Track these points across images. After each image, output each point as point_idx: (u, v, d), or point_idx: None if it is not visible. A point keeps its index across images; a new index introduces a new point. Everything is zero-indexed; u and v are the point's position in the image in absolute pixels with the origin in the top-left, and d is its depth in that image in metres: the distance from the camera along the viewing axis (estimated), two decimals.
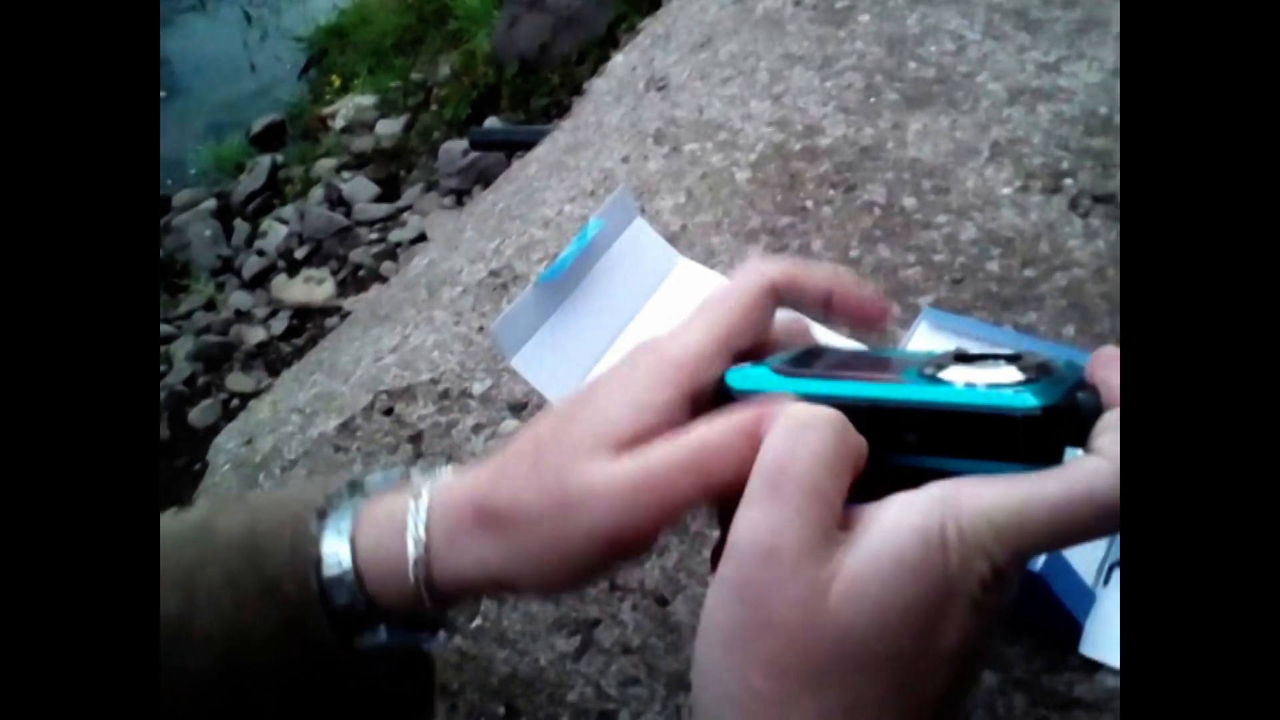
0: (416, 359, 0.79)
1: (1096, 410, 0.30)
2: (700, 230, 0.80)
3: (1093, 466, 0.28)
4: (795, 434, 0.31)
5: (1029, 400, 0.29)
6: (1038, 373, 0.30)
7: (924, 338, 0.58)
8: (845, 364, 0.36)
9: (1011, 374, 0.30)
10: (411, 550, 0.36)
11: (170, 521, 0.39)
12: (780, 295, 0.38)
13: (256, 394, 2.67)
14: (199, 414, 2.82)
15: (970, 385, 0.30)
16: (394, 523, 0.36)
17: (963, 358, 0.32)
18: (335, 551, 0.36)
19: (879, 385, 0.32)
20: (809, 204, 0.80)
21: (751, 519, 0.30)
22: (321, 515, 0.38)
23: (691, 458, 0.33)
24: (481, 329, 0.79)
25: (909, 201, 0.78)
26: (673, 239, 0.74)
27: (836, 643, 0.29)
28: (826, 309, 0.39)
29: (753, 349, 0.38)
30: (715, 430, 0.33)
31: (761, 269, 0.38)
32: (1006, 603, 0.30)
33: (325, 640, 0.36)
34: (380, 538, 0.36)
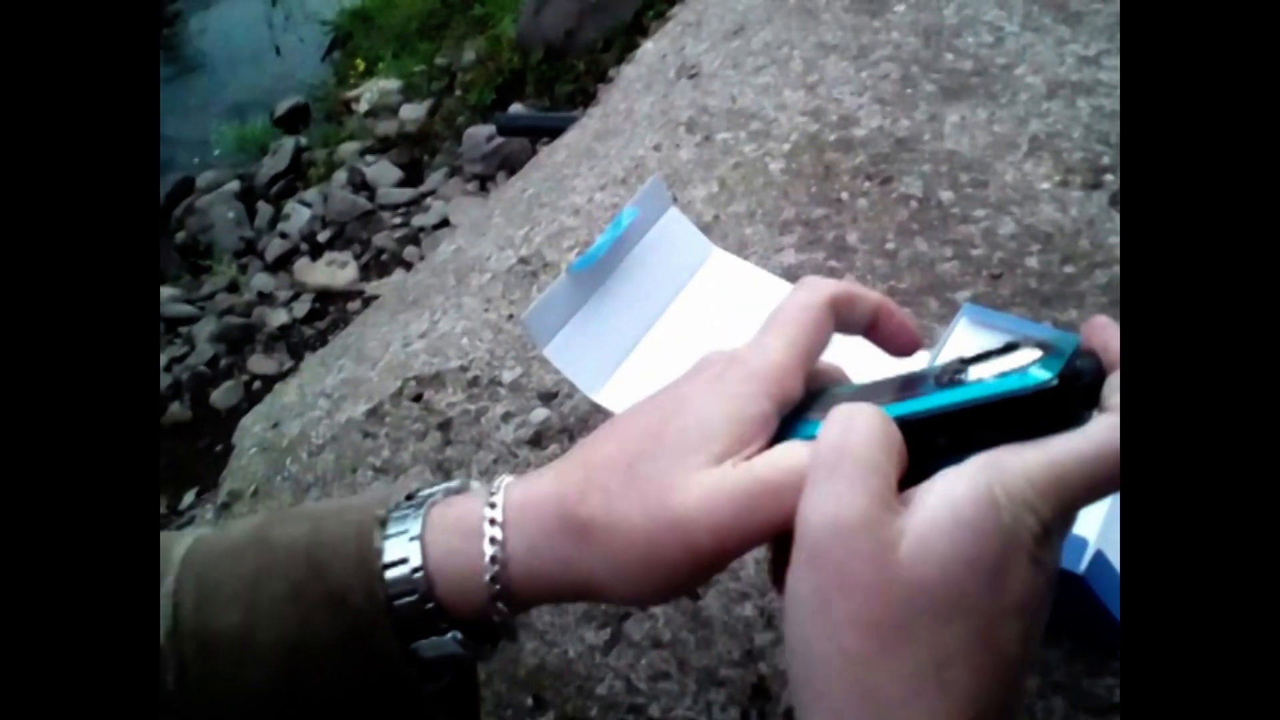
0: (445, 345, 0.78)
1: (1099, 372, 0.32)
2: (733, 221, 0.79)
3: (1111, 422, 0.30)
4: (845, 421, 0.33)
5: (1042, 375, 0.31)
6: (1039, 351, 0.33)
7: (964, 334, 0.57)
8: (870, 393, 0.37)
9: (1017, 359, 0.33)
10: (489, 551, 0.35)
11: (224, 533, 0.39)
12: (839, 314, 0.39)
13: (279, 376, 2.68)
14: (221, 395, 2.83)
15: (982, 380, 0.33)
16: (467, 526, 0.36)
17: (967, 360, 0.34)
18: (404, 556, 0.36)
19: (904, 403, 0.34)
20: (844, 196, 0.79)
21: (814, 498, 0.31)
22: (384, 525, 0.37)
23: (797, 479, 0.33)
24: (511, 316, 0.78)
25: (946, 195, 0.77)
26: (705, 229, 0.74)
27: (912, 598, 0.30)
28: (869, 330, 0.41)
29: None
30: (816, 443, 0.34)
31: (824, 285, 0.39)
32: (1057, 560, 0.32)
33: (389, 651, 0.36)
34: (453, 542, 0.36)
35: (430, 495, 0.39)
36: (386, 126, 3.83)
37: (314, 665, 0.36)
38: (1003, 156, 0.79)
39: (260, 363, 2.93)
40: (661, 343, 0.62)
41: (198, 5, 5.04)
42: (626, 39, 3.36)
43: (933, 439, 0.33)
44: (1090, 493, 0.31)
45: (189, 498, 2.32)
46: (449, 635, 0.36)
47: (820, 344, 0.39)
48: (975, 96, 0.86)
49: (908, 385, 0.36)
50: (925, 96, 0.87)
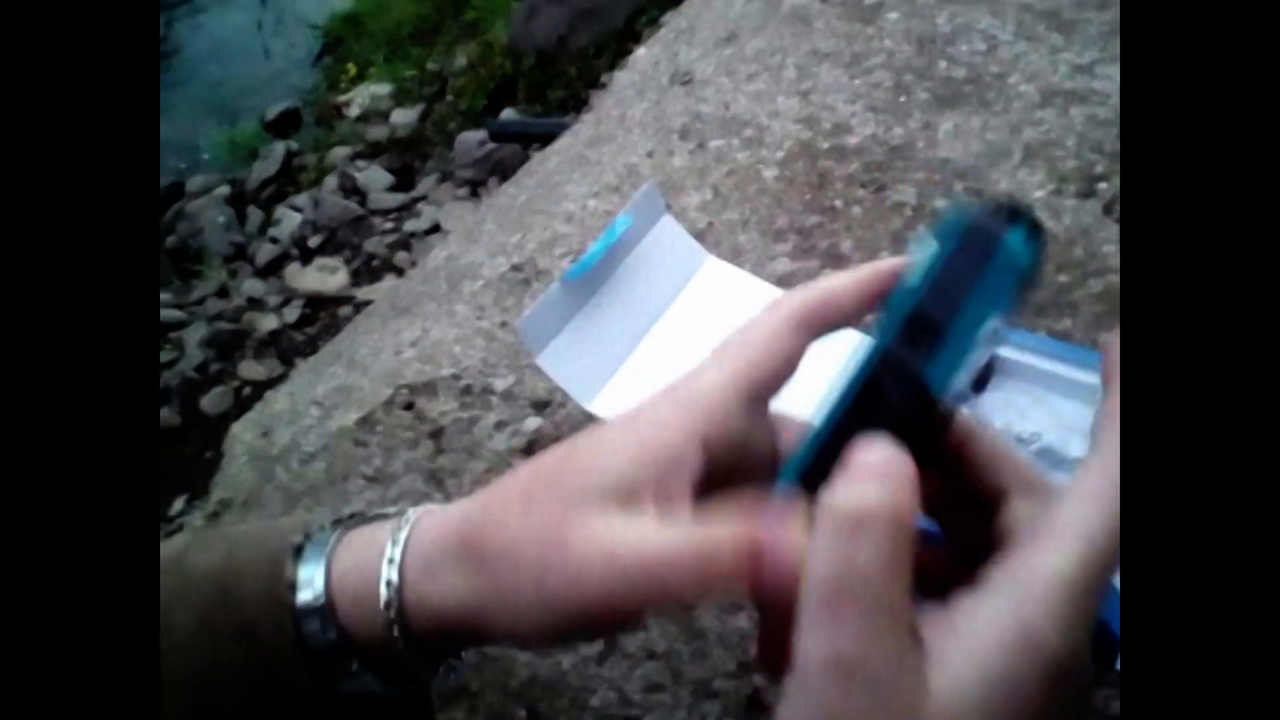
0: (437, 353, 0.78)
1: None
2: (726, 228, 0.79)
3: (1111, 480, 0.28)
4: (847, 541, 0.27)
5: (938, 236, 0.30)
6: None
7: None
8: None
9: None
10: (385, 573, 0.34)
11: None
12: (816, 325, 0.35)
13: (269, 382, 2.67)
14: (210, 401, 2.82)
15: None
16: (372, 549, 0.34)
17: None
18: (310, 580, 0.35)
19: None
20: (838, 203, 0.79)
21: (817, 645, 0.27)
22: (299, 553, 0.36)
23: (689, 563, 0.30)
24: (504, 324, 0.78)
25: (940, 203, 0.77)
26: (699, 236, 0.73)
27: None
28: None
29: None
30: (715, 540, 0.30)
31: (788, 302, 0.35)
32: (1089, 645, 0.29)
33: (302, 686, 0.34)
34: (356, 563, 0.35)
35: (352, 519, 0.37)
36: (378, 131, 3.82)
37: (228, 699, 0.34)
38: (996, 165, 0.79)
39: (250, 368, 2.91)
40: (655, 351, 0.62)
41: (188, 9, 5.02)
42: (619, 45, 3.36)
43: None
44: (1109, 572, 0.28)
45: (179, 504, 2.30)
46: (363, 675, 0.35)
47: (774, 368, 0.34)
48: (969, 104, 0.86)
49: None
50: (919, 104, 0.87)
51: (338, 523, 0.37)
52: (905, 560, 0.27)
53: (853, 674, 0.26)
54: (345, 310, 3.00)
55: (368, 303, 2.02)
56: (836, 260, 0.74)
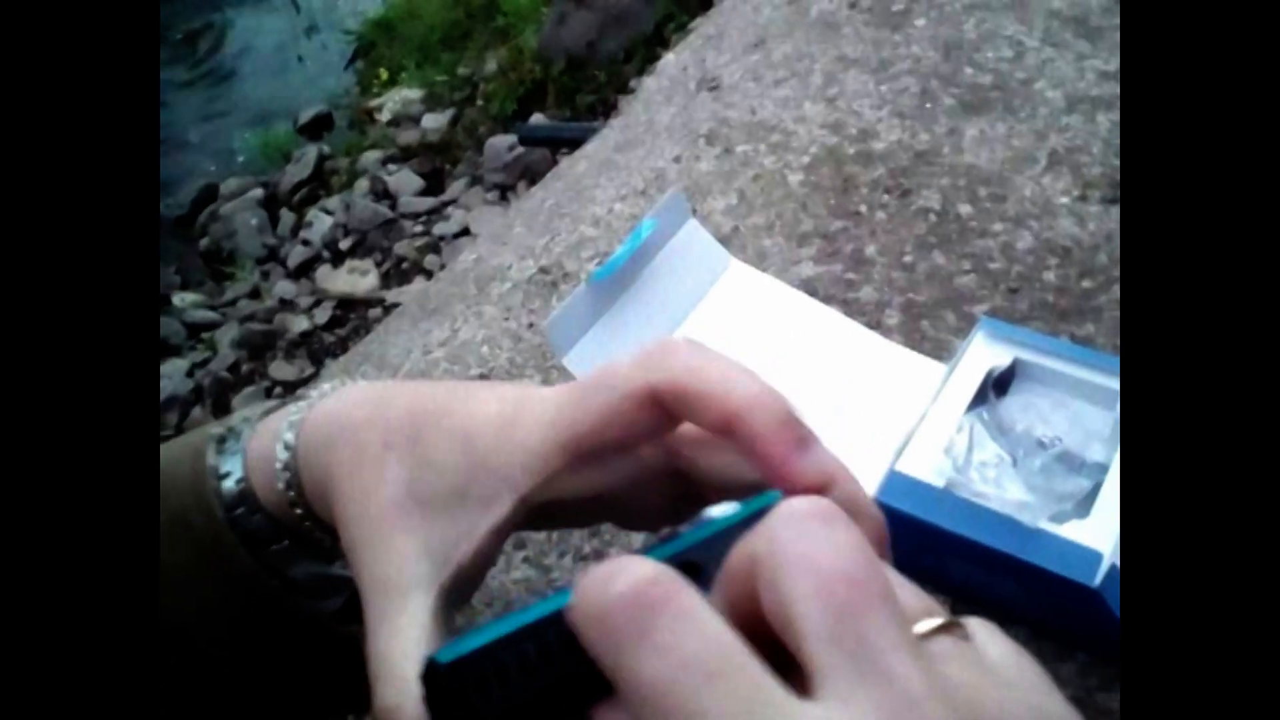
0: (465, 354, 0.79)
1: None
2: (752, 232, 0.80)
3: None
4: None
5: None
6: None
7: (981, 348, 0.58)
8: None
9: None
10: (280, 454, 0.34)
11: None
12: (671, 407, 0.31)
13: (299, 383, 2.69)
14: (242, 401, 2.85)
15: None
16: (275, 434, 0.35)
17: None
18: (231, 470, 0.35)
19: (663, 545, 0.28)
20: (863, 208, 0.79)
21: None
22: (221, 442, 0.36)
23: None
24: (531, 325, 0.79)
25: (965, 208, 0.77)
26: (724, 240, 0.74)
27: None
28: (727, 437, 0.30)
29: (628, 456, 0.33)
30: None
31: (645, 370, 0.31)
32: None
33: (244, 568, 0.34)
34: (264, 446, 0.35)
35: (267, 406, 0.38)
36: (408, 136, 3.86)
37: (174, 593, 0.34)
38: (1021, 170, 0.80)
39: (281, 369, 2.95)
40: None
41: (223, 13, 5.09)
42: (647, 50, 3.37)
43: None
44: None
45: None
46: (285, 543, 0.35)
47: (602, 438, 0.31)
48: (994, 110, 0.86)
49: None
50: (945, 110, 0.88)
51: (267, 412, 0.38)
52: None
53: None
54: (375, 312, 3.03)
55: (397, 305, 2.04)
56: (860, 265, 0.74)
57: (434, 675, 0.25)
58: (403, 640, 0.29)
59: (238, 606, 0.35)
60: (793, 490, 0.28)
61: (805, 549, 0.22)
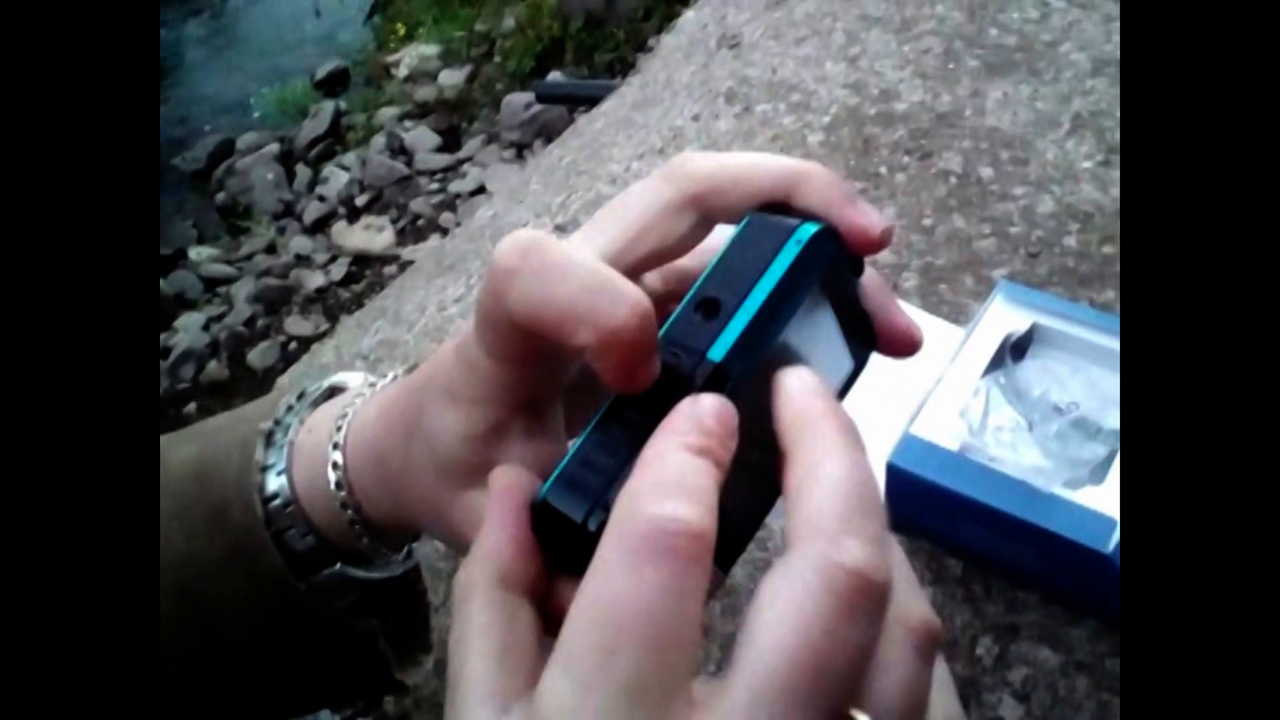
0: None
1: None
2: None
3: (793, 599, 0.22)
4: (638, 567, 0.22)
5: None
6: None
7: (999, 312, 0.57)
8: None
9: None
10: (335, 490, 0.35)
11: None
12: (712, 210, 0.30)
13: (315, 338, 2.70)
14: (258, 355, 2.87)
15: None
16: (319, 459, 0.35)
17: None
18: (278, 486, 0.36)
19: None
20: (883, 170, 0.79)
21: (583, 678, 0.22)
22: (270, 438, 0.36)
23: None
24: None
25: (986, 171, 0.76)
26: None
27: None
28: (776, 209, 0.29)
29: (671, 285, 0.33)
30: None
31: (680, 170, 0.30)
32: None
33: (274, 568, 0.35)
34: (313, 475, 0.35)
35: (313, 396, 0.38)
36: (425, 92, 3.83)
37: (207, 582, 0.35)
38: (1044, 134, 0.79)
39: (297, 324, 2.96)
40: None
41: None
42: (667, 8, 3.33)
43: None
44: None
45: None
46: (309, 538, 0.35)
47: (658, 254, 0.30)
48: (1018, 73, 0.85)
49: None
50: (968, 71, 0.86)
51: (302, 396, 0.38)
52: (700, 592, 0.22)
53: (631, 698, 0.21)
54: (390, 269, 3.03)
55: (412, 262, 2.04)
56: None
57: (539, 513, 0.26)
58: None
59: (264, 601, 0.36)
60: (857, 236, 0.29)
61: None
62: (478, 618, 0.25)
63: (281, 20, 4.74)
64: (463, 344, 0.29)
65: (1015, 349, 0.56)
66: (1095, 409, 0.54)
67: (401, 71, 4.00)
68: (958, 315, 0.65)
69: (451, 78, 3.85)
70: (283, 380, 0.89)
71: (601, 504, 0.25)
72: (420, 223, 3.24)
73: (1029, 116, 0.80)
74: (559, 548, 0.26)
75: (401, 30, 4.29)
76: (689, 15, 1.21)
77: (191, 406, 2.74)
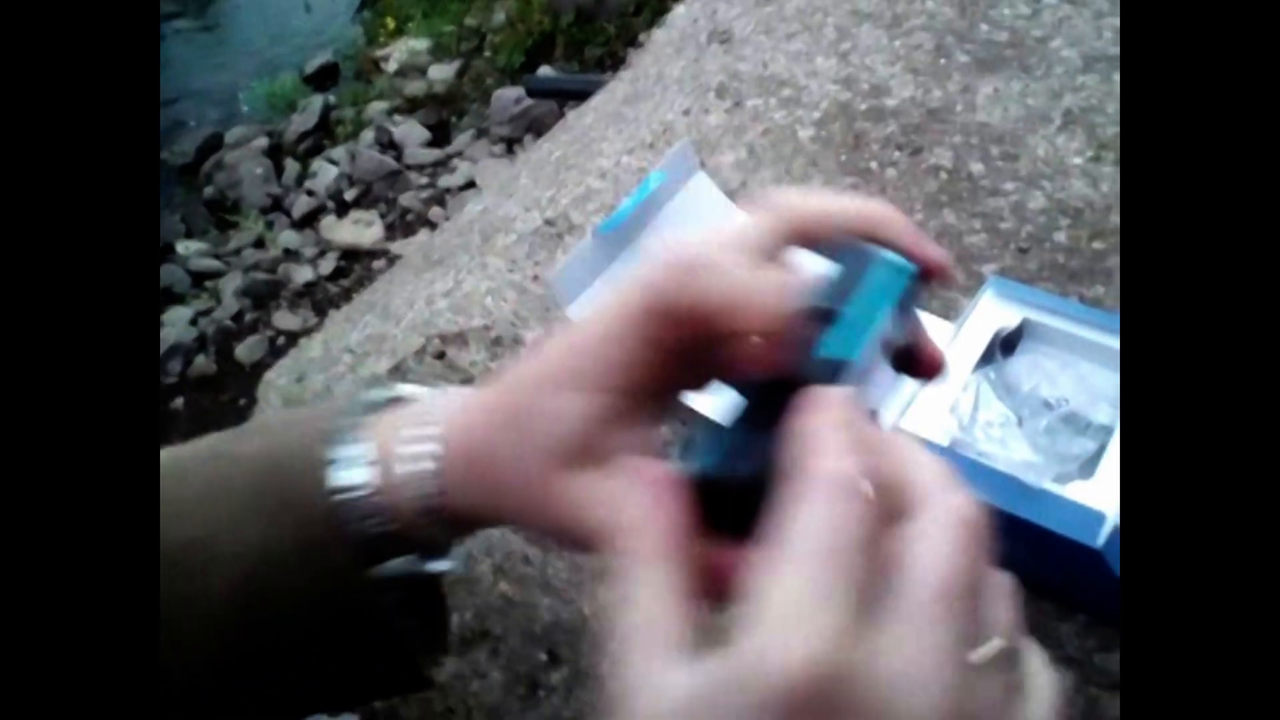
0: (469, 304, 0.78)
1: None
2: (761, 188, 0.79)
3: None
4: (842, 504, 0.27)
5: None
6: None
7: (989, 307, 0.57)
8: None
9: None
10: (430, 480, 0.36)
11: (181, 451, 0.39)
12: (802, 238, 0.34)
13: (303, 332, 2.69)
14: (245, 350, 2.85)
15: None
16: (407, 455, 0.37)
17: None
18: (360, 479, 0.37)
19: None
20: (873, 165, 0.79)
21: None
22: (337, 437, 0.38)
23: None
24: (535, 277, 0.78)
25: (976, 167, 0.76)
26: (732, 196, 0.73)
27: None
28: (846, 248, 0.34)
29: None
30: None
31: (783, 212, 0.34)
32: None
33: (339, 561, 0.36)
34: (402, 470, 0.37)
35: (376, 403, 0.39)
36: (415, 86, 3.82)
37: (274, 572, 0.36)
38: (1035, 130, 0.79)
39: (285, 318, 2.95)
40: None
41: None
42: (658, 2, 3.32)
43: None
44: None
45: None
46: (388, 527, 0.37)
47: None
48: (1009, 68, 0.85)
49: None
50: (959, 67, 0.86)
51: (369, 405, 0.40)
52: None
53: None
54: (379, 264, 3.02)
55: (401, 256, 2.03)
56: None
57: (705, 483, 0.30)
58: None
59: (326, 592, 0.37)
60: (930, 267, 0.34)
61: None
62: (647, 579, 0.28)
63: (271, 14, 4.71)
64: (593, 338, 0.33)
65: (1005, 344, 0.56)
66: (1085, 404, 0.54)
67: (391, 66, 3.98)
68: (948, 310, 0.64)
69: (441, 72, 3.84)
70: (269, 376, 0.88)
71: (767, 468, 0.29)
72: (409, 217, 3.23)
73: (1020, 112, 0.80)
74: (726, 511, 0.30)
75: (391, 25, 4.28)
76: (679, 10, 1.20)
77: (179, 401, 2.73)
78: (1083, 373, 0.55)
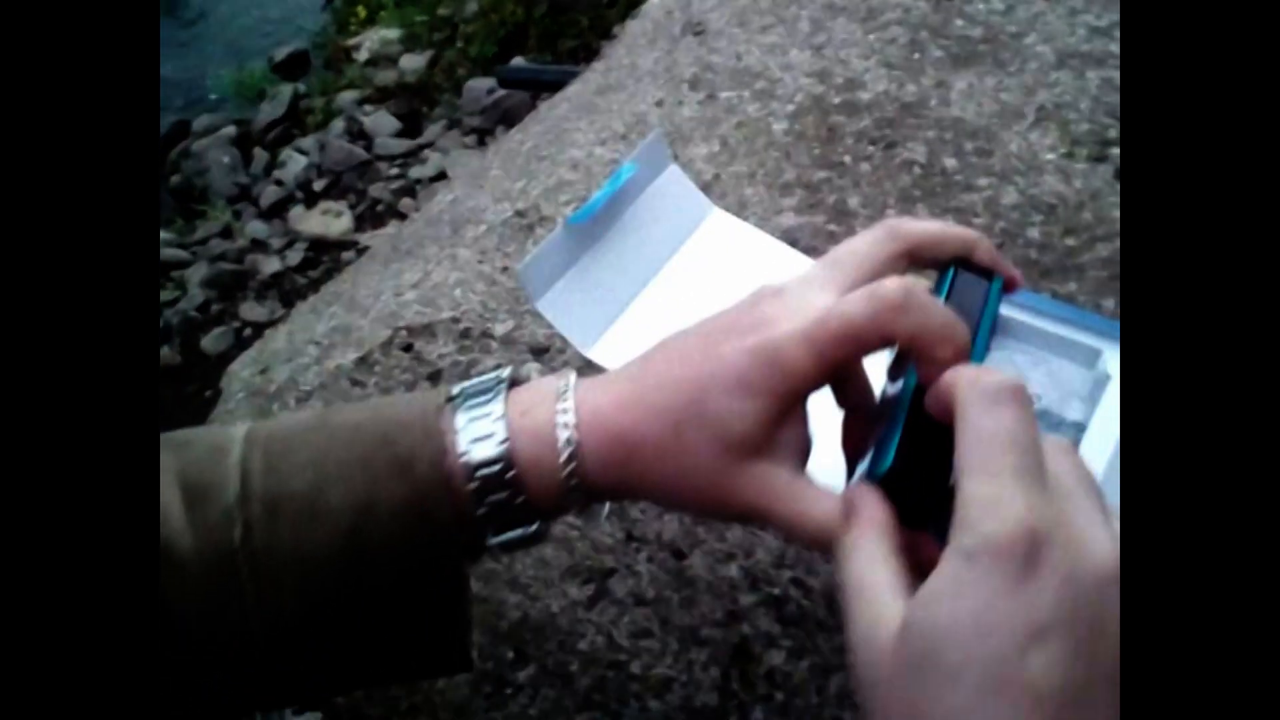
0: (438, 296, 0.77)
1: None
2: (733, 180, 0.78)
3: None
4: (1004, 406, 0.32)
5: None
6: None
7: None
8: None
9: None
10: (566, 460, 0.39)
11: (281, 420, 0.42)
12: (919, 259, 0.42)
13: (270, 324, 2.66)
14: (211, 341, 2.82)
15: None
16: (543, 428, 0.39)
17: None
18: (494, 453, 0.39)
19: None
20: (847, 159, 0.78)
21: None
22: (450, 402, 0.40)
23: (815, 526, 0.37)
24: (505, 269, 0.77)
25: (950, 162, 0.76)
26: (705, 188, 0.73)
27: None
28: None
29: None
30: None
31: (899, 229, 0.41)
32: None
33: (446, 521, 0.38)
34: (536, 447, 0.39)
35: (493, 381, 0.42)
36: (386, 76, 3.79)
37: (379, 527, 0.38)
38: (1009, 125, 0.78)
39: (252, 310, 2.91)
40: (656, 301, 0.61)
41: None
42: None
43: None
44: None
45: None
46: (519, 499, 0.39)
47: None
48: (983, 64, 0.85)
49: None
50: (933, 62, 0.86)
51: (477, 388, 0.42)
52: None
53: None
54: (348, 255, 2.99)
55: (370, 248, 2.02)
56: (843, 216, 0.73)
57: (887, 481, 0.35)
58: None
59: (425, 555, 0.39)
60: (1010, 282, 0.43)
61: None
62: (873, 554, 0.34)
63: (240, 2, 4.66)
64: (764, 354, 0.38)
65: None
66: (1057, 401, 0.53)
67: (362, 55, 3.95)
68: None
69: (413, 62, 3.81)
70: (233, 367, 0.87)
71: (940, 464, 0.34)
72: (379, 208, 3.21)
73: (993, 108, 0.80)
74: (913, 502, 0.35)
75: (362, 14, 4.24)
76: (654, 1, 1.20)
77: None
78: (1055, 369, 0.55)
